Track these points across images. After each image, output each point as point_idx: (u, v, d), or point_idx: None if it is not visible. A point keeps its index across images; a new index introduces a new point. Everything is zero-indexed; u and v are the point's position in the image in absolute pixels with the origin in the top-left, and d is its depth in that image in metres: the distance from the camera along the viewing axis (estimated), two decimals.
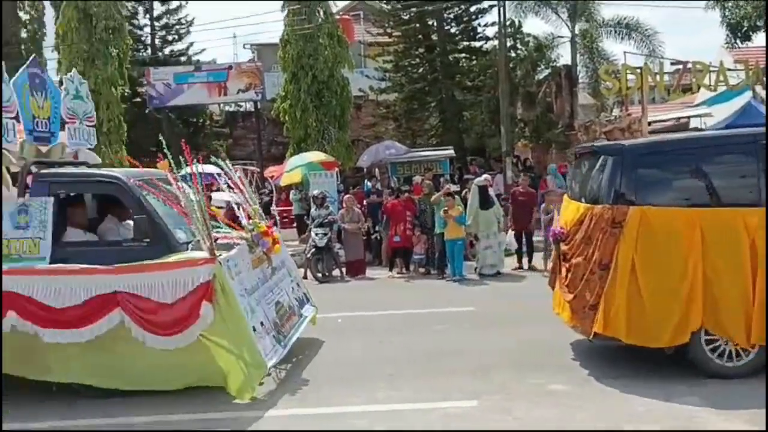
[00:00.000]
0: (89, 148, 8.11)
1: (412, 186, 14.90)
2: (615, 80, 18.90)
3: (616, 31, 24.51)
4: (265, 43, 28.64)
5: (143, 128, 24.59)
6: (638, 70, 18.34)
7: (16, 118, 6.73)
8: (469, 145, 25.31)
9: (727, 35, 18.28)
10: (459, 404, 5.61)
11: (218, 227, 7.11)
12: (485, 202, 12.48)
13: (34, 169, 6.76)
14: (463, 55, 26.28)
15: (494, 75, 22.48)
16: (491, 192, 13.38)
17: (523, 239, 13.00)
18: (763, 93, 20.03)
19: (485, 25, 25.47)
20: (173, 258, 6.12)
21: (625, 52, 23.51)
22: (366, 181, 18.68)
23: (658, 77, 18.90)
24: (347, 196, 14.55)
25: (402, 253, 13.39)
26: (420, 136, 25.87)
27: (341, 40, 21.42)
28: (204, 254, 6.06)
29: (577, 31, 24.78)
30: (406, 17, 25.72)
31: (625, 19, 24.27)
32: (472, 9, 25.33)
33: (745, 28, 17.91)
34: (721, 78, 18.33)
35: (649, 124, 19.76)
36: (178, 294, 5.85)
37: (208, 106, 28.42)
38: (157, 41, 29.92)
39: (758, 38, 19.53)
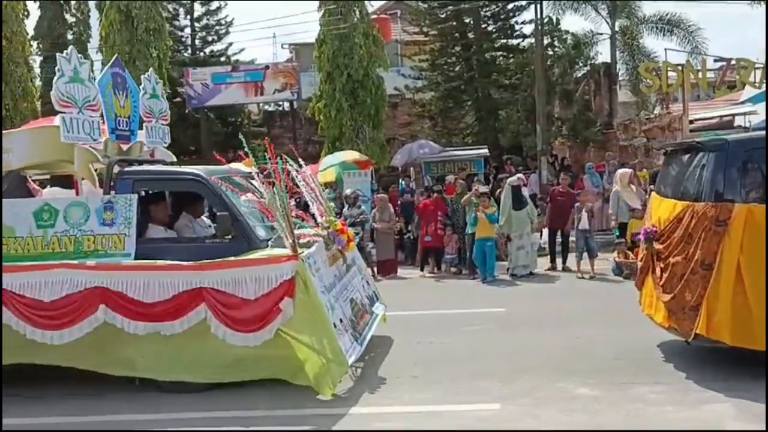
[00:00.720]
0: (164, 146, 8.31)
1: (445, 185, 14.81)
2: (656, 77, 18.57)
3: (657, 28, 24.03)
4: (302, 43, 28.81)
5: (183, 128, 24.96)
6: (680, 67, 17.99)
7: (101, 117, 6.88)
8: (505, 144, 25.08)
9: None
10: (482, 407, 5.55)
11: (296, 224, 7.12)
12: (518, 202, 12.34)
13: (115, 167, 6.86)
14: (500, 53, 26.03)
15: (531, 73, 22.22)
16: (525, 192, 13.23)
17: (559, 239, 12.82)
18: None
19: (522, 23, 25.26)
20: (257, 254, 6.20)
21: (666, 49, 22.94)
22: (401, 180, 18.66)
23: (700, 74, 18.52)
24: (379, 195, 14.55)
25: (434, 252, 13.34)
26: (456, 135, 25.73)
27: (377, 39, 21.43)
28: (287, 251, 6.11)
29: (617, 28, 24.36)
30: (443, 16, 25.61)
31: (666, 15, 23.77)
32: (510, 6, 25.10)
33: None
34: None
35: (691, 122, 19.37)
36: (261, 290, 5.92)
37: (246, 106, 28.72)
38: (197, 42, 30.32)
39: None
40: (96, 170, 7.01)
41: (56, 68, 6.44)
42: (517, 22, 25.42)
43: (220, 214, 6.46)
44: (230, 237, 6.43)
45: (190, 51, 30.03)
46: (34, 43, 25.26)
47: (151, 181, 7.07)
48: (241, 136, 7.05)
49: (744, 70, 18.02)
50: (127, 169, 6.87)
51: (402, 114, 27.35)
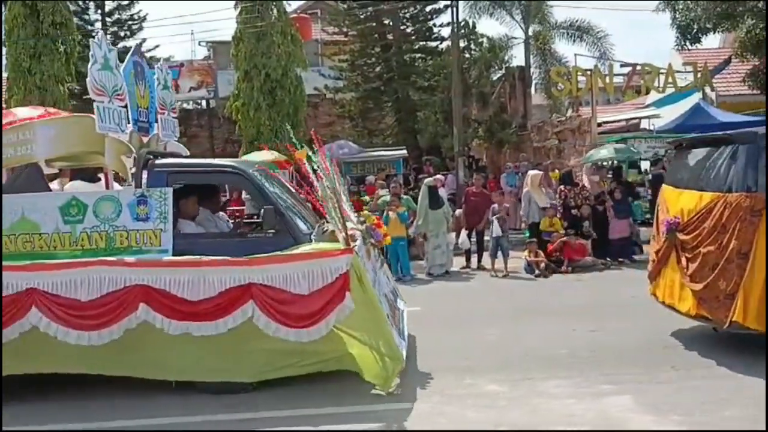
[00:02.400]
0: (176, 140, 8.02)
1: (365, 186, 14.86)
2: (567, 81, 19.21)
3: (568, 34, 24.96)
4: (220, 41, 28.28)
5: None
6: (588, 72, 18.68)
7: (126, 107, 6.57)
8: (423, 145, 25.43)
9: (677, 37, 18.69)
10: (393, 406, 5.59)
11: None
12: (435, 202, 12.51)
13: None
14: (419, 54, 26.38)
15: (448, 75, 22.57)
16: (442, 192, 13.45)
17: (474, 238, 13.10)
18: (712, 95, 20.57)
19: (440, 25, 25.63)
20: (307, 248, 5.98)
21: (576, 54, 23.89)
22: None
23: (608, 79, 19.28)
24: None
25: None
26: (376, 136, 25.88)
27: (295, 38, 21.23)
28: (337, 245, 5.92)
29: (530, 33, 25.10)
30: (363, 16, 25.70)
31: (577, 21, 24.70)
32: (428, 9, 25.45)
33: (695, 30, 18.30)
34: (670, 80, 18.77)
35: (600, 125, 20.17)
36: (315, 285, 5.72)
37: None
38: (109, 37, 29.28)
39: (708, 40, 20.08)
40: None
41: (90, 54, 6.16)
42: (435, 25, 25.80)
43: (266, 207, 6.16)
44: (274, 231, 6.17)
45: None
46: None
47: (186, 174, 6.65)
48: (288, 127, 6.61)
49: (649, 75, 18.87)
50: (159, 161, 6.51)
51: (323, 114, 27.27)
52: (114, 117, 6.30)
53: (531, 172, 13.94)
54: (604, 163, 17.13)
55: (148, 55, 28.83)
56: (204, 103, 27.77)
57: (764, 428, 4.80)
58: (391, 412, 5.47)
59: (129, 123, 6.74)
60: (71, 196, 6.12)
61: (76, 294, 5.68)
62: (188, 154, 8.21)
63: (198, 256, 5.83)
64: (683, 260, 6.60)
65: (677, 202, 6.85)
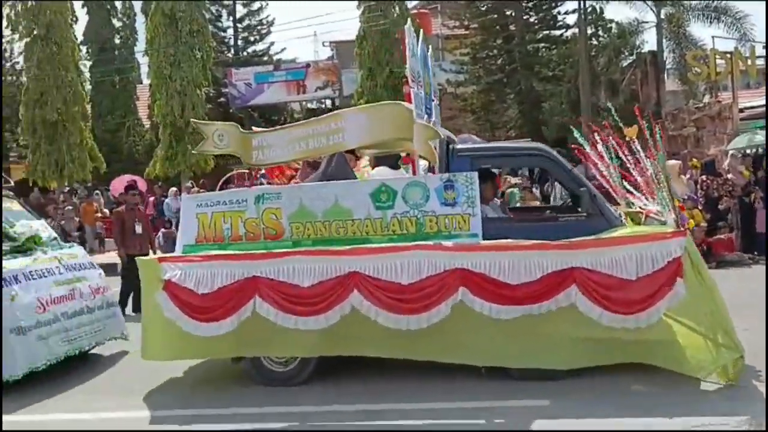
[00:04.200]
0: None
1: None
2: (703, 66, 18.15)
3: (704, 15, 23.42)
4: (343, 40, 28.95)
5: None
6: (728, 55, 17.53)
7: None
8: (549, 137, 24.78)
9: None
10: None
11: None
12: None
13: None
14: (543, 44, 25.78)
15: (574, 64, 21.93)
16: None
17: None
18: None
19: (565, 13, 24.97)
20: (634, 231, 5.78)
21: (713, 37, 22.37)
22: None
23: (749, 62, 18.01)
24: None
25: None
26: (499, 129, 25.55)
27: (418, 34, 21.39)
28: (667, 227, 5.74)
29: (662, 16, 23.83)
30: (484, 8, 25.44)
31: (713, 2, 23.16)
32: None
33: None
34: None
35: (741, 110, 18.86)
36: (644, 270, 5.48)
37: (288, 104, 29.03)
38: (239, 42, 30.76)
39: None
40: None
41: (407, 43, 6.10)
42: (559, 13, 25.14)
43: (581, 189, 6.00)
44: (586, 215, 6.01)
45: (233, 51, 30.47)
46: (83, 48, 25.92)
47: (490, 157, 6.63)
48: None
49: None
50: (461, 146, 6.52)
51: (445, 108, 27.09)
52: (420, 103, 6.25)
53: (669, 162, 13.23)
54: (748, 152, 16.01)
55: (275, 57, 30.18)
56: (329, 102, 28.53)
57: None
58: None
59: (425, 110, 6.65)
60: (380, 183, 6.11)
61: (397, 278, 5.67)
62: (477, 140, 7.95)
63: (517, 240, 5.70)
64: None
65: None
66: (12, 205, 7.59)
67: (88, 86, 25.56)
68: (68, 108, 21.96)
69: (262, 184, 10.40)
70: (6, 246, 6.79)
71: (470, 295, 5.57)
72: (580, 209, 6.11)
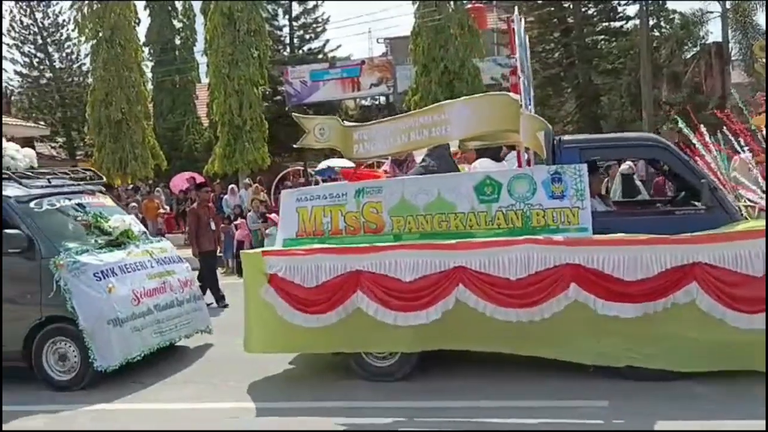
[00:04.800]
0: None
1: None
2: None
3: None
4: (397, 37, 28.90)
5: (284, 125, 25.69)
6: None
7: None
8: (608, 131, 24.25)
9: None
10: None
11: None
12: (629, 192, 11.78)
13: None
14: (602, 36, 25.20)
15: (635, 56, 21.36)
16: (636, 181, 12.65)
17: None
18: None
19: (625, 4, 24.34)
20: (758, 226, 5.46)
21: None
22: None
23: None
24: None
25: None
26: (556, 123, 25.05)
27: (472, 29, 21.20)
28: None
29: (728, 6, 22.97)
30: (541, 1, 25.03)
31: None
32: None
33: None
34: None
35: None
36: None
37: (343, 102, 29.17)
38: (295, 40, 31.04)
39: None
40: None
41: (516, 33, 6.04)
42: (619, 4, 24.53)
43: (703, 182, 5.73)
44: (705, 208, 5.73)
45: (288, 50, 30.78)
46: (146, 49, 26.65)
47: (600, 149, 6.45)
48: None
49: None
50: (568, 137, 6.40)
51: None
52: (526, 94, 6.17)
53: (740, 157, 12.74)
54: None
55: (330, 55, 30.35)
56: (383, 98, 28.54)
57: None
58: None
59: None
60: (485, 176, 6.00)
61: (506, 273, 5.51)
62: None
63: (632, 235, 5.45)
64: None
65: None
66: (105, 201, 7.80)
67: (149, 86, 26.27)
68: (131, 107, 22.67)
69: (317, 182, 10.50)
70: (101, 240, 7.00)
71: (582, 291, 5.39)
72: (697, 202, 5.82)
